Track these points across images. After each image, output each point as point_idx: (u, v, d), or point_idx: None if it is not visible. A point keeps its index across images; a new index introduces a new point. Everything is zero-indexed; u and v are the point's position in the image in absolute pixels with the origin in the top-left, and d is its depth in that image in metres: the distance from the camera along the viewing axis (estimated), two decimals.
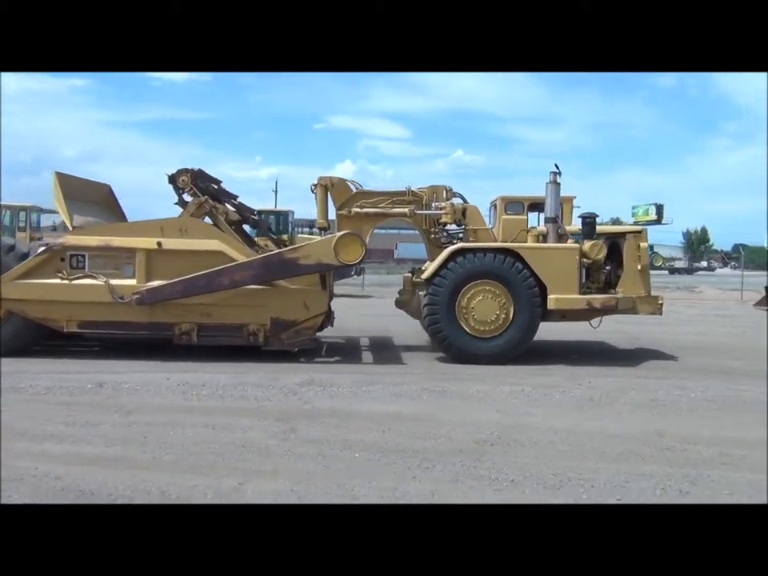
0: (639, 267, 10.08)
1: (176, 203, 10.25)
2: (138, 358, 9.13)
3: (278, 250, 9.78)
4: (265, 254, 9.53)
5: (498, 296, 9.45)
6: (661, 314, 10.35)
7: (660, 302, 10.17)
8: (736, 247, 65.21)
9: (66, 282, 9.11)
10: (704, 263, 75.72)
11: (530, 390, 7.51)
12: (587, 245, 9.83)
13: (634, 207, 69.05)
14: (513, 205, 10.72)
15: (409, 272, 11.40)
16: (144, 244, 9.16)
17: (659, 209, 66.16)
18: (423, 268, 10.82)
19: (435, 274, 9.48)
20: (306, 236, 26.77)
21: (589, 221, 10.14)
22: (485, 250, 9.59)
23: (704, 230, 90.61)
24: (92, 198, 10.68)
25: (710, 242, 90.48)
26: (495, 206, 10.93)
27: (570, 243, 10.10)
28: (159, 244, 9.15)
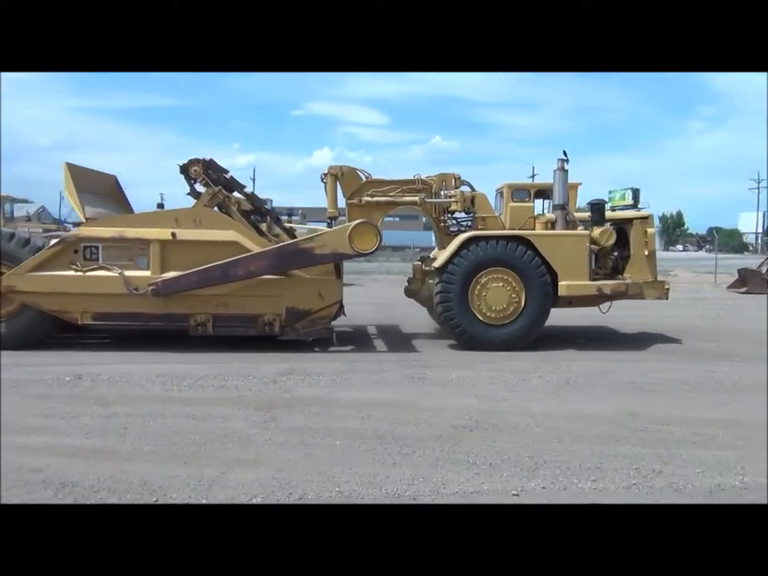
0: (646, 253, 10.23)
1: (188, 193, 10.24)
2: (116, 350, 9.10)
3: (293, 240, 9.79)
4: (280, 244, 9.54)
5: (510, 283, 9.56)
6: (667, 298, 10.51)
7: (666, 286, 10.37)
8: (710, 230, 66.13)
9: (80, 273, 9.05)
10: (679, 247, 76.67)
11: (508, 376, 7.61)
12: (597, 231, 9.94)
13: (610, 192, 69.11)
14: (519, 192, 10.84)
15: (418, 260, 11.42)
16: (158, 235, 9.12)
17: (635, 193, 66.32)
18: (432, 256, 10.92)
19: (448, 262, 9.54)
20: (285, 224, 26.70)
21: (598, 207, 10.31)
22: (497, 238, 9.67)
23: (679, 214, 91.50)
24: (100, 190, 10.62)
25: (685, 226, 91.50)
26: (501, 194, 11.02)
27: (579, 230, 10.23)
28: (174, 235, 9.12)
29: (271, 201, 26.63)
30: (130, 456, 4.81)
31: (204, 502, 4.00)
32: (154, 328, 9.46)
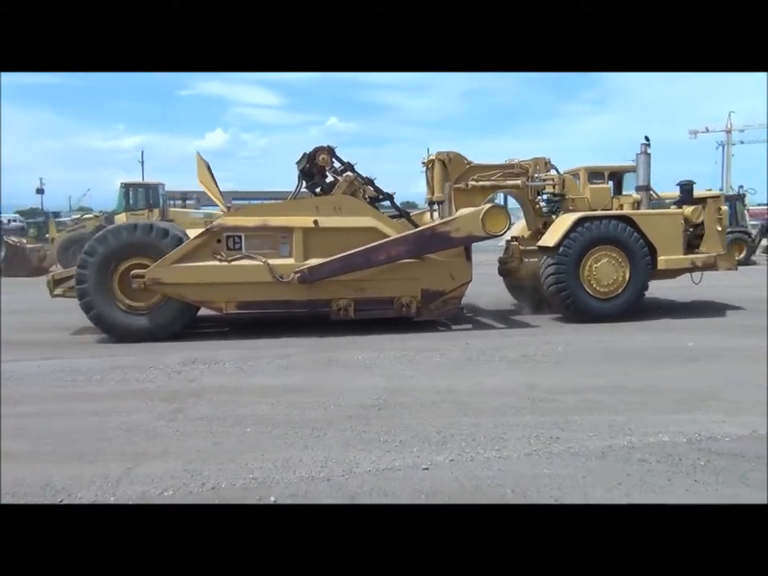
0: (719, 228, 11.12)
1: (311, 183, 10.32)
2: None
3: (429, 224, 10.00)
4: (418, 229, 9.81)
5: (616, 260, 10.28)
6: (736, 269, 11.50)
7: (736, 258, 11.53)
8: None
9: (225, 263, 9.09)
10: None
11: (412, 355, 7.81)
12: (689, 210, 10.82)
13: None
14: (595, 175, 11.64)
15: (511, 240, 11.62)
16: (301, 223, 9.30)
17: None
18: (520, 236, 11.52)
19: (562, 241, 10.12)
20: (179, 210, 25.78)
21: (687, 188, 11.21)
22: (602, 218, 10.40)
23: None
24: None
25: None
26: (576, 176, 11.65)
27: (673, 209, 11.11)
28: (316, 222, 9.28)
29: (163, 185, 25.66)
30: (28, 457, 4.57)
31: (112, 500, 3.89)
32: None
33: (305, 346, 8.55)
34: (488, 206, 9.84)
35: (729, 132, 71.76)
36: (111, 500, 3.88)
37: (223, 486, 4.05)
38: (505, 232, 10.01)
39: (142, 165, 58.55)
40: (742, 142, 72.90)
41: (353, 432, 5.02)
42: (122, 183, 24.48)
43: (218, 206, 11.98)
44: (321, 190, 10.39)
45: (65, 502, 3.84)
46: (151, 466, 4.37)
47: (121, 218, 23.13)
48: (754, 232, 24.33)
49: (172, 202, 28.20)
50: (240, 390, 6.28)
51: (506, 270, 11.73)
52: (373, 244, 9.31)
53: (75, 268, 9.25)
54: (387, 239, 9.41)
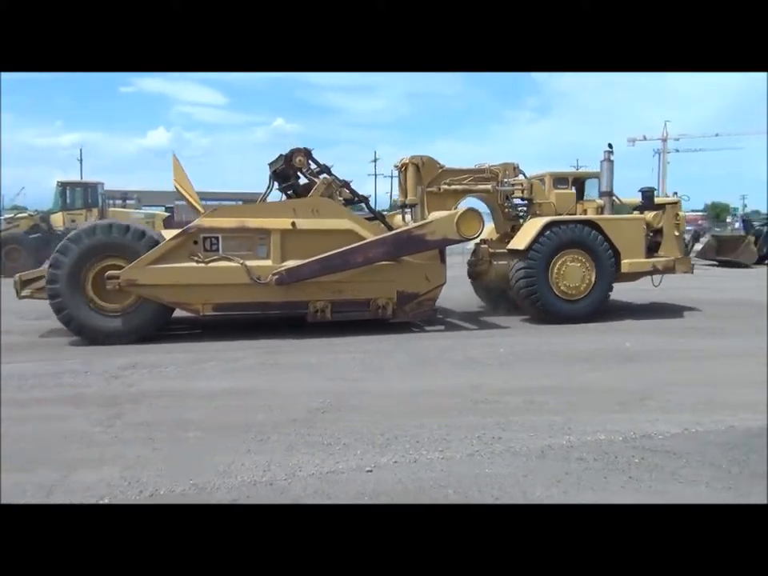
0: (677, 233, 11.57)
1: (286, 184, 10.20)
2: None
3: (406, 227, 10.10)
4: (395, 231, 9.89)
5: (583, 263, 10.63)
6: (692, 272, 12.07)
7: (692, 262, 12.00)
8: None
9: (202, 265, 8.99)
10: None
11: (360, 357, 7.81)
12: (650, 215, 11.34)
13: None
14: (560, 180, 12.02)
15: (480, 243, 11.56)
16: (279, 225, 9.27)
17: None
18: (490, 239, 11.61)
19: (532, 244, 10.38)
20: (119, 210, 25.09)
21: (648, 194, 11.71)
22: (570, 222, 10.74)
23: None
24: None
25: None
26: (542, 181, 11.85)
27: (635, 214, 11.50)
28: (294, 224, 9.26)
29: (103, 184, 24.92)
30: None
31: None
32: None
33: (258, 347, 8.43)
34: (462, 209, 10.01)
35: (665, 140, 74.69)
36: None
37: (162, 493, 3.95)
38: (478, 235, 10.18)
39: (81, 163, 56.97)
40: (677, 150, 76.04)
41: (297, 435, 4.97)
42: (58, 182, 23.68)
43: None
44: (294, 191, 10.34)
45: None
46: (86, 474, 4.23)
47: (57, 218, 22.39)
48: (687, 237, 25.25)
49: (111, 201, 27.41)
50: (182, 395, 6.15)
51: (475, 272, 11.92)
52: (351, 246, 9.34)
53: (46, 268, 8.97)
54: (365, 241, 9.45)
